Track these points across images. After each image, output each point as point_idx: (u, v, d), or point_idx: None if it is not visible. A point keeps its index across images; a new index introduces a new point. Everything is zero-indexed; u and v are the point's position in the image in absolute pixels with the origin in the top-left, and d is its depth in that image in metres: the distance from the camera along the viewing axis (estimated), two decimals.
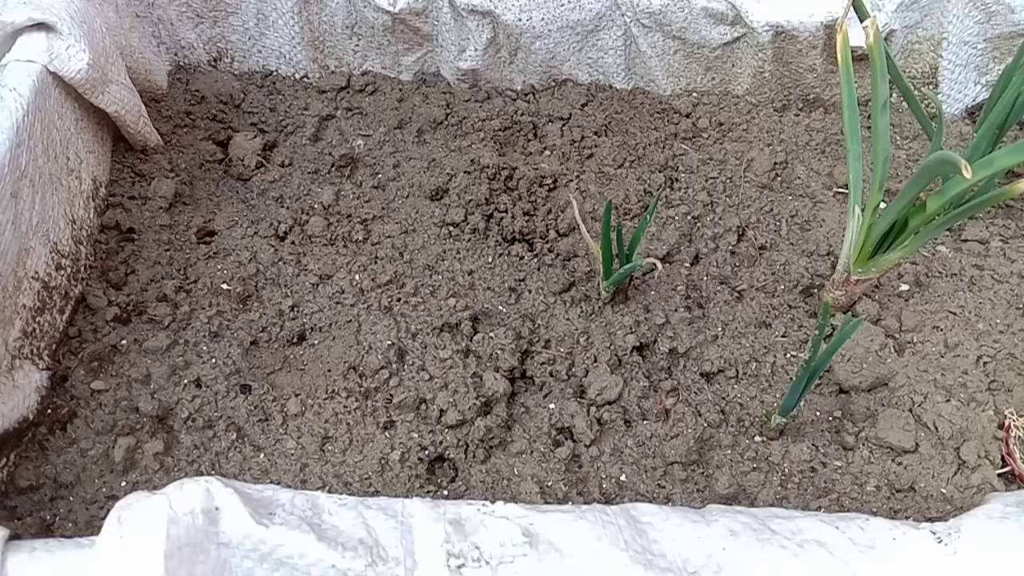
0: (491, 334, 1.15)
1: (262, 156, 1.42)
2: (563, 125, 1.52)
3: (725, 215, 1.36)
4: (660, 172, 1.44)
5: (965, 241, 1.33)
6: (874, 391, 1.13)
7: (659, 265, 1.09)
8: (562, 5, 1.49)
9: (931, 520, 0.97)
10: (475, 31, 1.50)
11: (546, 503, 1.00)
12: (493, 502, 0.82)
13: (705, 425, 1.10)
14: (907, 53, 1.54)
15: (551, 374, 1.14)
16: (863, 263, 1.13)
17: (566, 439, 1.08)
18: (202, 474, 0.95)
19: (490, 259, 1.29)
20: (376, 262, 1.28)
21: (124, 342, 1.13)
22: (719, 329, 1.21)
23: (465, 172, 1.39)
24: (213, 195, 1.36)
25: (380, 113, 1.53)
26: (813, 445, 1.08)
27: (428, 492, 1.02)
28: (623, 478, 1.05)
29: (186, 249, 1.26)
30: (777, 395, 1.14)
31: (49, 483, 0.98)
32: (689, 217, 1.36)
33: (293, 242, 1.30)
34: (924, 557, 0.80)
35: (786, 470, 1.06)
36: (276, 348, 1.16)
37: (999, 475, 1.04)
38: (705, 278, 1.28)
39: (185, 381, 1.09)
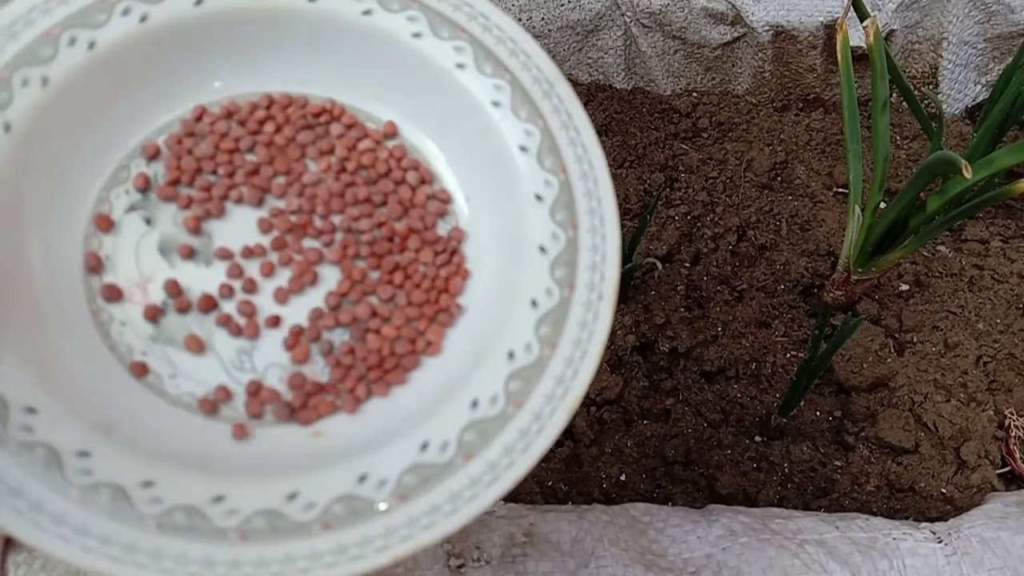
0: None
1: None
2: None
3: (725, 215, 1.36)
4: (660, 172, 1.44)
5: (965, 241, 1.33)
6: (874, 391, 1.13)
7: (659, 265, 1.09)
8: (562, 5, 1.49)
9: (931, 520, 0.98)
10: None
11: (546, 503, 1.00)
12: None
13: (705, 425, 1.10)
14: (907, 53, 1.54)
15: None
16: (863, 263, 1.13)
17: (566, 439, 1.08)
18: None
19: None
20: None
21: None
22: (719, 329, 1.21)
23: None
24: None
25: None
26: (813, 445, 1.08)
27: None
28: (623, 478, 1.05)
29: None
30: (777, 395, 1.14)
31: None
32: (689, 217, 1.36)
33: None
34: (924, 557, 0.80)
35: (786, 470, 1.06)
36: None
37: (999, 475, 1.04)
38: (705, 278, 1.28)
39: None
